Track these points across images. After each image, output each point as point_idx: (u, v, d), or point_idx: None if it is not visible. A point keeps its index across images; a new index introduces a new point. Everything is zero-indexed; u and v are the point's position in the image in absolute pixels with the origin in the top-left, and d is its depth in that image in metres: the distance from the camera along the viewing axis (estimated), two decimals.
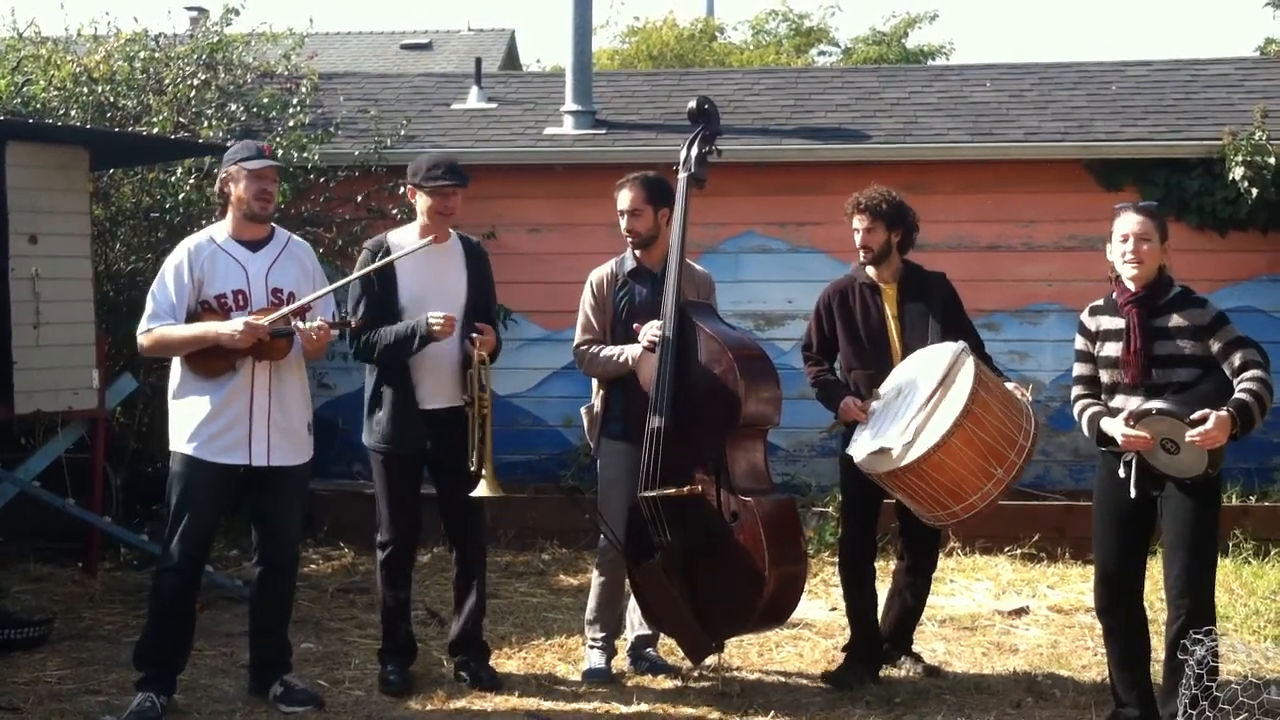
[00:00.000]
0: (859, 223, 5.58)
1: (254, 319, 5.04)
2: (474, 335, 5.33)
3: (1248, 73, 10.25)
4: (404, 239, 5.49)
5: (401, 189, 9.09)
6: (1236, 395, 4.55)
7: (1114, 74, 10.29)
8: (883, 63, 20.27)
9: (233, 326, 5.01)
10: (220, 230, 5.27)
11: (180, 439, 5.14)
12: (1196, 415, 4.50)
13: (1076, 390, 4.93)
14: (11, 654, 5.93)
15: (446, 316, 5.25)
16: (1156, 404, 4.61)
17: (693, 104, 5.69)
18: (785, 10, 23.28)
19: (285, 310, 5.12)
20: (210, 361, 5.09)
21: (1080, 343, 4.93)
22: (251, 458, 5.12)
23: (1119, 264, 4.79)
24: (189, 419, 5.12)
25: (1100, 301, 4.91)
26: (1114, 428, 4.69)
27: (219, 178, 5.30)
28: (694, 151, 5.59)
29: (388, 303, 5.39)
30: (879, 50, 22.06)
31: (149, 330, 5.14)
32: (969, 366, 5.14)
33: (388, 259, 5.37)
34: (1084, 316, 4.94)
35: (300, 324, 5.11)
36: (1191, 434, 4.49)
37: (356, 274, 5.45)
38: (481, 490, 5.25)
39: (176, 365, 5.21)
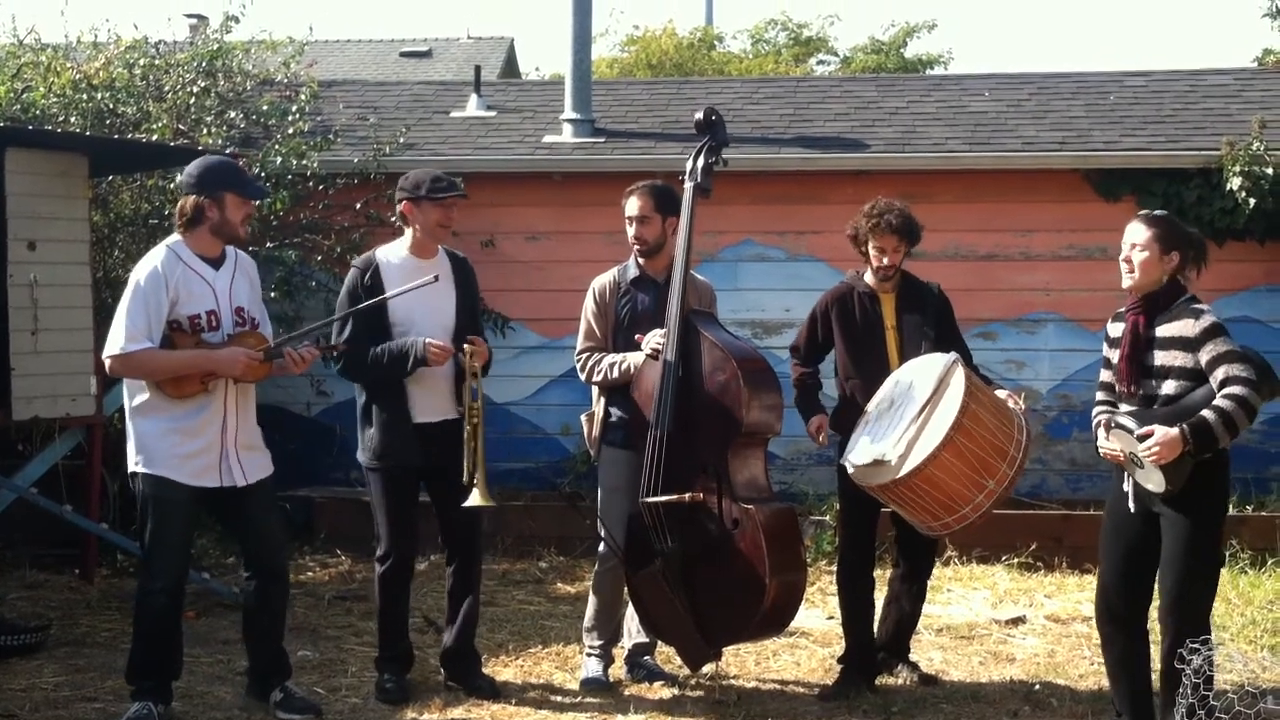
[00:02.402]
0: (890, 244, 5.54)
1: (250, 351, 5.01)
2: (465, 347, 5.33)
3: (1246, 83, 10.27)
4: (393, 255, 5.47)
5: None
6: (1201, 412, 4.43)
7: (1112, 84, 10.31)
8: (881, 72, 20.32)
9: (233, 358, 4.97)
10: (182, 246, 5.09)
11: (154, 461, 5.01)
12: (1143, 430, 4.46)
13: (1097, 397, 4.93)
14: (8, 661, 5.92)
15: (444, 347, 5.26)
16: (1121, 418, 4.59)
17: (700, 114, 5.66)
18: (784, 19, 23.40)
19: (286, 338, 5.12)
20: (184, 383, 5.00)
21: (1105, 349, 4.91)
22: (233, 479, 5.09)
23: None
24: (161, 440, 5.01)
25: (1123, 308, 4.90)
26: (1101, 439, 4.71)
27: (194, 198, 5.03)
28: (700, 162, 5.58)
29: (375, 325, 5.36)
30: (878, 59, 22.10)
31: (127, 353, 4.92)
32: (959, 378, 5.13)
33: (383, 298, 5.29)
34: (1108, 324, 4.93)
35: (291, 349, 5.13)
36: (1141, 448, 4.46)
37: (351, 309, 5.35)
38: (473, 500, 5.24)
39: (141, 383, 5.05)
